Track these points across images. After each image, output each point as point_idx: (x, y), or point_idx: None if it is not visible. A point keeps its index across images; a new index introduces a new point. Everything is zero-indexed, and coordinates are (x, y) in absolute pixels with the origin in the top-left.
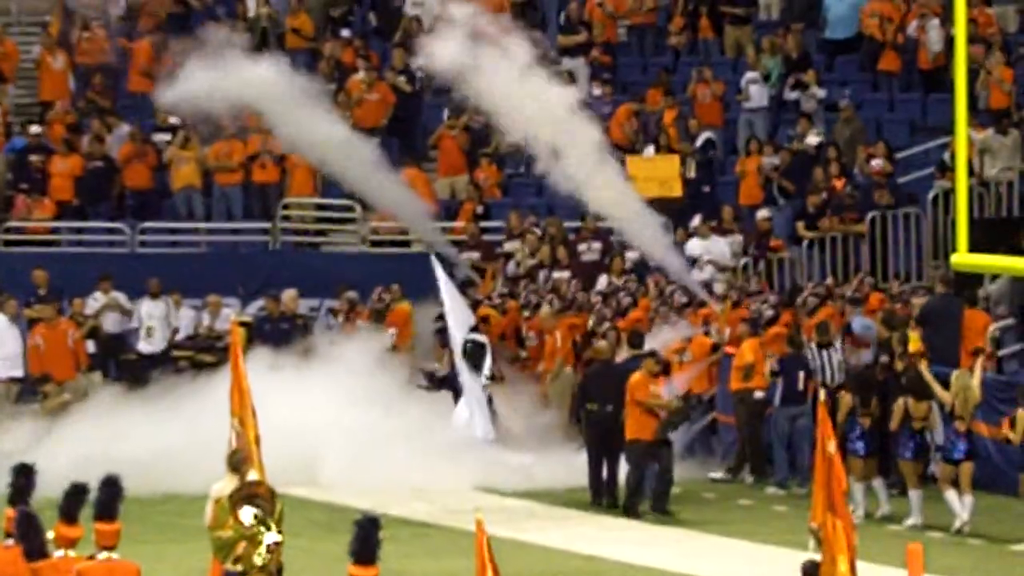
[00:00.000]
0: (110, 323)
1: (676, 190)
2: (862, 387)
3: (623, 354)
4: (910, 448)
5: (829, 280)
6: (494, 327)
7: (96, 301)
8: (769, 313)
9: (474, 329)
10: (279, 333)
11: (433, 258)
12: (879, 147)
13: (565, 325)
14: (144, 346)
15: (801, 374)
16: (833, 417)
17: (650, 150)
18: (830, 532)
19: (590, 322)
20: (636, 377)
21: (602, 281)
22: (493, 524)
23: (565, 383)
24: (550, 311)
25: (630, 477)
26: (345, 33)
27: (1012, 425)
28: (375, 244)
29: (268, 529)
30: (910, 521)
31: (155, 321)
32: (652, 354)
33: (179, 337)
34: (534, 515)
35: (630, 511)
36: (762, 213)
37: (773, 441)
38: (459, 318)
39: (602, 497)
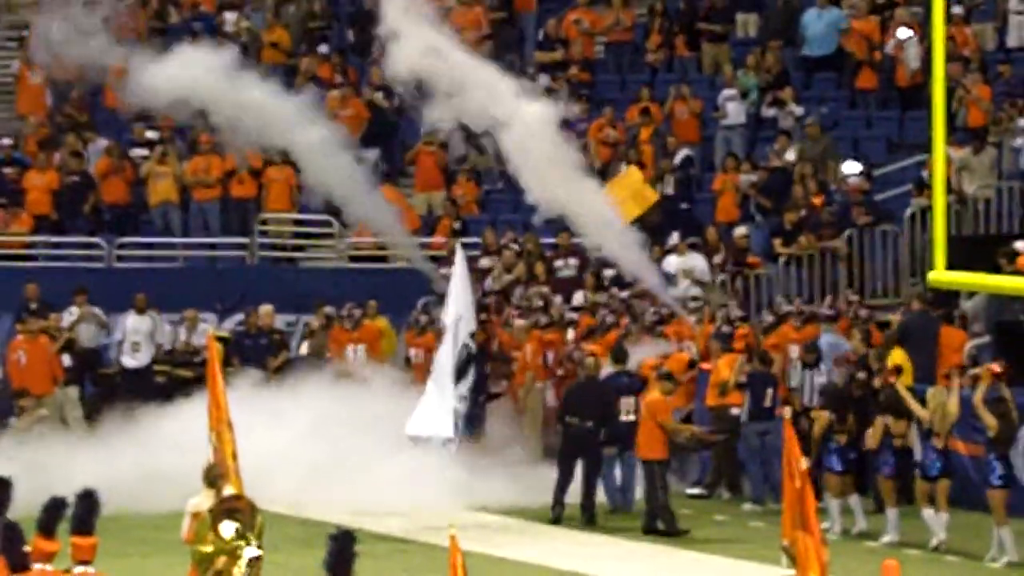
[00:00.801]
0: (86, 337)
1: (650, 196)
2: (838, 404)
3: (606, 369)
4: (889, 465)
5: (795, 301)
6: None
7: (71, 315)
8: (725, 329)
9: (471, 336)
10: (258, 349)
11: (458, 247)
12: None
13: (536, 340)
14: (129, 361)
15: (769, 390)
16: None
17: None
18: (802, 549)
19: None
20: (655, 399)
21: (578, 297)
22: (469, 539)
23: (536, 398)
24: (522, 326)
25: (656, 497)
26: (323, 48)
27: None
28: (353, 259)
29: (248, 543)
30: (886, 538)
31: (140, 336)
32: (668, 375)
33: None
34: (510, 530)
35: (671, 532)
36: (739, 230)
37: (745, 457)
38: (464, 316)
39: (562, 511)
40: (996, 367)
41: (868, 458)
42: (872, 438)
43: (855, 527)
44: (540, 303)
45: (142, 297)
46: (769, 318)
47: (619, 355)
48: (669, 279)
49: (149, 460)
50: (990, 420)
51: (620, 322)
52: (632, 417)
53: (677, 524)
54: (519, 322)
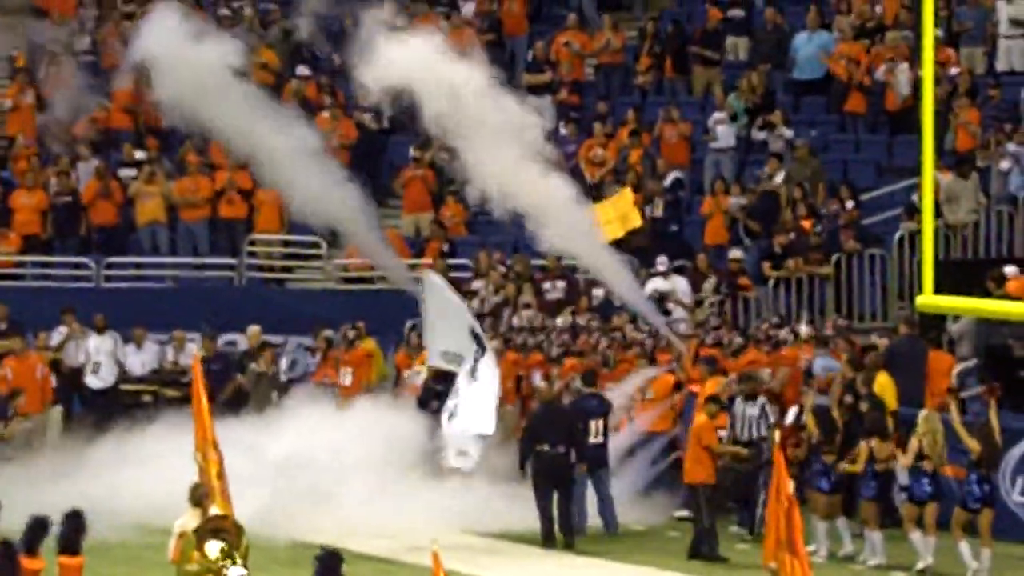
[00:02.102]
0: (72, 357)
1: (635, 220)
2: (826, 426)
3: (569, 395)
4: (872, 488)
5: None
6: None
7: (60, 334)
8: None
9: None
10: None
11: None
12: (843, 190)
13: (508, 362)
14: (93, 381)
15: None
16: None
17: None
18: (788, 571)
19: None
20: (701, 421)
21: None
22: (454, 560)
23: (507, 421)
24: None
25: (703, 520)
26: (303, 71)
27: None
28: (342, 280)
29: (234, 563)
30: (873, 561)
31: (102, 356)
32: (713, 398)
33: (144, 371)
34: (496, 552)
35: (714, 556)
36: (734, 253)
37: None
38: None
39: (554, 540)
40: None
41: (855, 481)
42: (859, 462)
43: (842, 550)
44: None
45: (101, 317)
46: (738, 340)
47: (588, 378)
48: (656, 301)
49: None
50: (972, 444)
51: (599, 345)
52: (600, 439)
53: (718, 550)
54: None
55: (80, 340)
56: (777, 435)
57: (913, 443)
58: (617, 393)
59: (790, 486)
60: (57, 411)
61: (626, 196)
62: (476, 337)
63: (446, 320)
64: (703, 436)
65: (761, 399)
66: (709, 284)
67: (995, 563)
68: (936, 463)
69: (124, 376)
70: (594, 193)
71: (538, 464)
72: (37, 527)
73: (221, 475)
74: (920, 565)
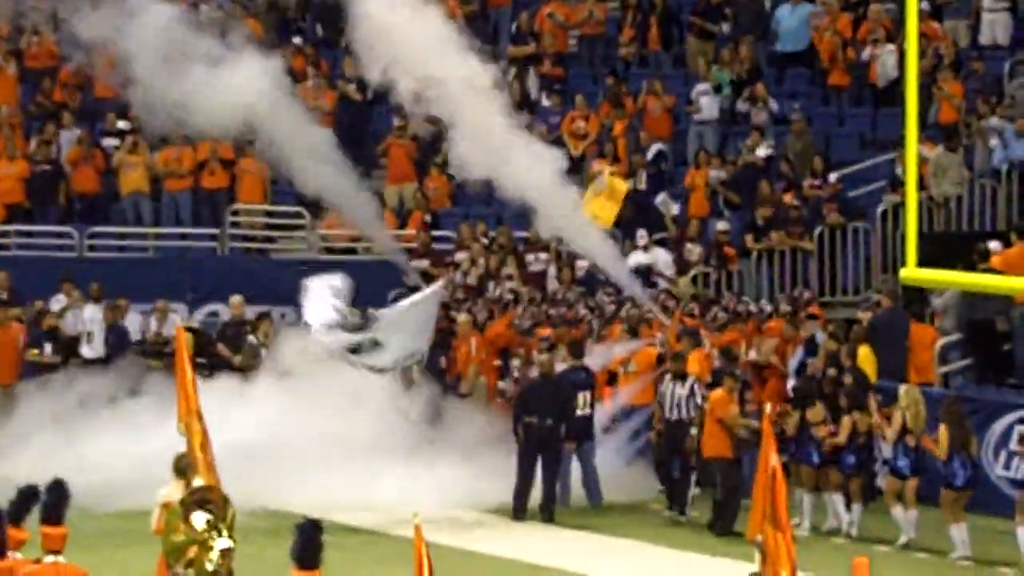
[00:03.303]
0: (70, 326)
1: (621, 187)
2: (806, 399)
3: (561, 365)
4: (852, 460)
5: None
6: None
7: (59, 302)
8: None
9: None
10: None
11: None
12: (817, 162)
13: (484, 335)
14: (86, 351)
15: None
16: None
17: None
18: (772, 545)
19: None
20: (717, 394)
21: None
22: (440, 533)
23: (480, 393)
24: (465, 320)
25: (717, 496)
26: (296, 40)
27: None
28: (325, 251)
29: (220, 535)
30: (851, 531)
31: (95, 326)
32: (731, 373)
33: (127, 341)
34: (482, 524)
35: (723, 530)
36: (721, 225)
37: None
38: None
39: (524, 513)
40: None
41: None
42: (842, 434)
43: (826, 523)
44: (511, 297)
45: (96, 286)
46: (721, 316)
47: (575, 350)
48: (637, 274)
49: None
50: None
51: (582, 316)
52: (588, 411)
53: (733, 525)
54: (462, 316)
55: (78, 310)
56: (768, 406)
57: (897, 417)
58: (596, 357)
59: (773, 458)
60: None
61: (603, 173)
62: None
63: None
64: (718, 409)
65: (691, 379)
66: (696, 254)
67: (979, 537)
68: (917, 437)
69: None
70: (578, 166)
71: (526, 436)
72: (25, 497)
73: (205, 446)
74: (903, 539)
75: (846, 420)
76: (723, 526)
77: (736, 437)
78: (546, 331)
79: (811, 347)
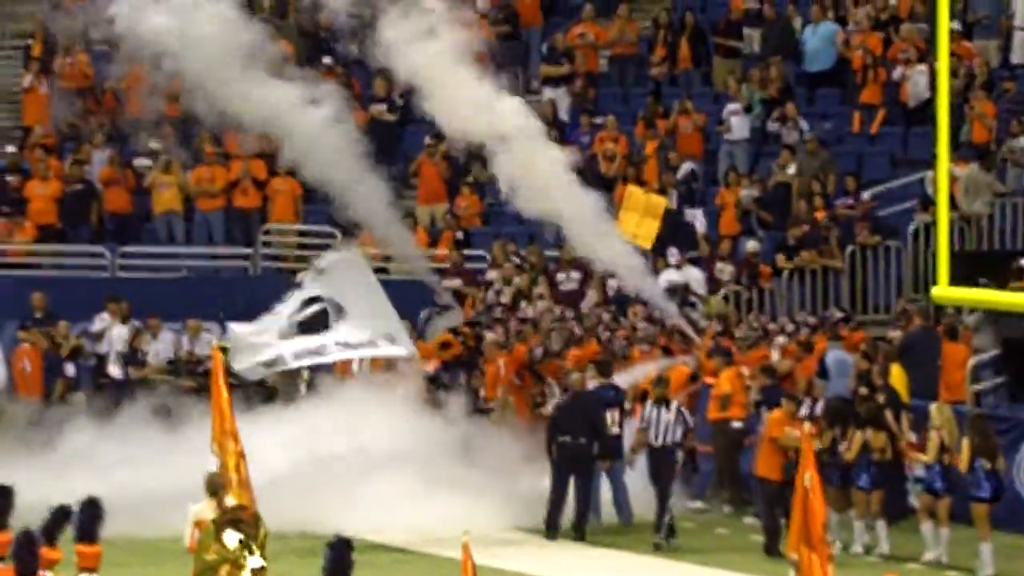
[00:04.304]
0: (99, 345)
1: (659, 203)
2: (839, 418)
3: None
4: (864, 479)
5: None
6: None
7: (103, 321)
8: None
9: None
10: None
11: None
12: (848, 182)
13: (511, 355)
14: (114, 370)
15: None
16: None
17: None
18: (805, 564)
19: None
20: (775, 415)
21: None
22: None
23: (511, 413)
24: (493, 340)
25: (764, 518)
26: (327, 60)
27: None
28: None
29: (252, 554)
30: (855, 548)
31: (124, 346)
32: (791, 396)
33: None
34: (512, 543)
35: (770, 550)
36: (751, 245)
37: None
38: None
39: (557, 531)
40: None
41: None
42: (851, 451)
43: (855, 543)
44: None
45: (125, 306)
46: (751, 335)
47: (603, 368)
48: (669, 293)
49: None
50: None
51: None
52: (617, 430)
53: (777, 547)
54: (490, 336)
55: (107, 329)
56: (807, 426)
57: (934, 436)
58: (626, 378)
59: (807, 478)
60: (80, 397)
61: (634, 192)
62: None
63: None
64: (773, 429)
65: (675, 403)
66: (727, 272)
67: (1006, 553)
68: (951, 454)
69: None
70: (609, 187)
71: (559, 455)
72: (58, 516)
73: (239, 467)
74: (929, 556)
75: (858, 437)
76: (768, 547)
77: (788, 461)
78: (577, 353)
79: (822, 369)
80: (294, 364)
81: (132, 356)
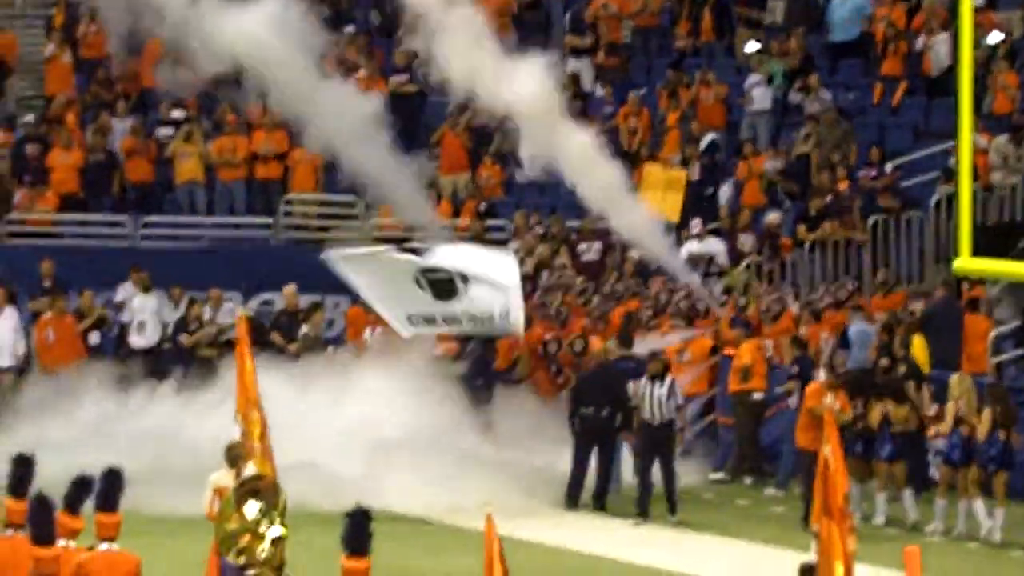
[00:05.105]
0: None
1: (680, 177)
2: (859, 389)
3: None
4: (887, 450)
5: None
6: None
7: (126, 291)
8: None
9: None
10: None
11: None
12: (873, 153)
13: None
14: (137, 340)
15: (816, 372)
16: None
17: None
18: (826, 536)
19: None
20: (812, 386)
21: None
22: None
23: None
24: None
25: (805, 488)
26: (349, 29)
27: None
28: (377, 240)
29: (272, 523)
30: (876, 519)
31: (147, 315)
32: (830, 369)
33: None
34: (533, 514)
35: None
36: (772, 216)
37: (785, 442)
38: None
39: (578, 502)
40: None
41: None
42: (873, 422)
43: (876, 514)
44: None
45: (146, 275)
46: (775, 307)
47: (625, 339)
48: (692, 263)
49: None
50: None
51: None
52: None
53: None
54: None
55: (129, 299)
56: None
57: (950, 407)
58: (650, 346)
59: (827, 449)
60: (102, 368)
61: (651, 170)
62: (427, 280)
63: (388, 287)
64: (810, 400)
65: (669, 378)
66: (749, 244)
67: (1014, 523)
68: (970, 425)
69: (167, 335)
70: (631, 163)
71: (581, 426)
72: (80, 485)
73: (263, 436)
74: (932, 526)
75: (877, 409)
76: (808, 517)
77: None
78: (580, 323)
79: (844, 340)
80: (407, 331)
81: (185, 325)
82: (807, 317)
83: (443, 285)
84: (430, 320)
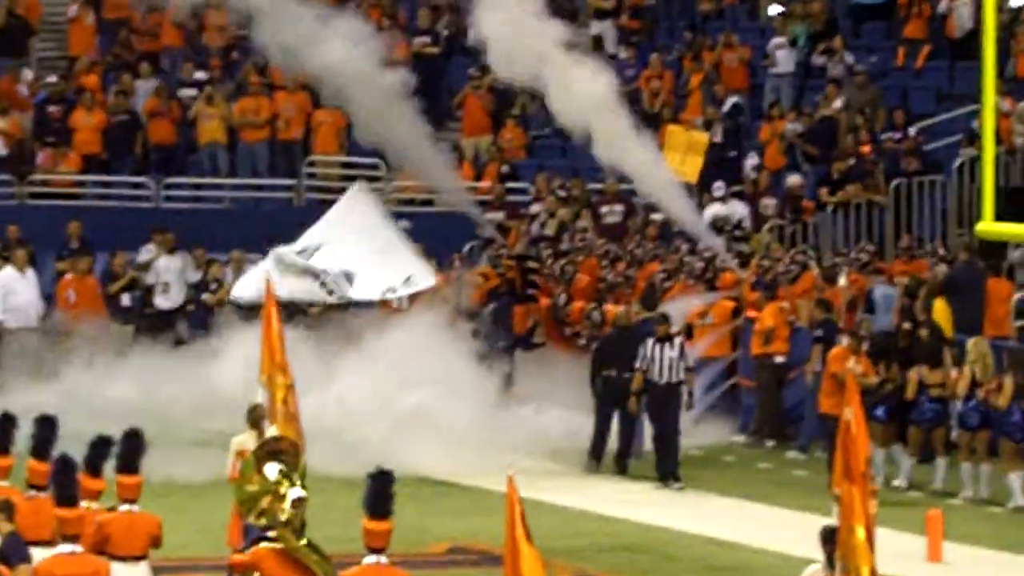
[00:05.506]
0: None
1: (702, 140)
2: (882, 353)
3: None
4: (923, 415)
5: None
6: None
7: (149, 252)
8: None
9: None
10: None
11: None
12: (899, 115)
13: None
14: (161, 302)
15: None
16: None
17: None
18: (847, 500)
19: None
20: (835, 351)
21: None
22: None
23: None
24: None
25: (830, 453)
26: None
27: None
28: (400, 202)
29: (292, 484)
30: (897, 482)
31: (171, 276)
32: (853, 333)
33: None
34: (553, 476)
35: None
36: (794, 178)
37: (807, 405)
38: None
39: (599, 464)
40: None
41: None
42: (909, 389)
43: (898, 477)
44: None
45: (171, 237)
46: (793, 268)
47: (648, 301)
48: (714, 227)
49: None
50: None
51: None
52: None
53: None
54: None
55: (154, 260)
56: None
57: (965, 371)
58: (673, 308)
59: (847, 412)
60: (126, 331)
61: (674, 131)
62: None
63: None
64: (833, 364)
65: (679, 340)
66: (771, 207)
67: None
68: (986, 390)
69: (191, 297)
70: (653, 125)
71: (603, 388)
72: (100, 446)
73: (287, 400)
74: (967, 493)
75: (912, 374)
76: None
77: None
78: (585, 279)
79: (869, 304)
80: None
81: (205, 286)
82: (820, 282)
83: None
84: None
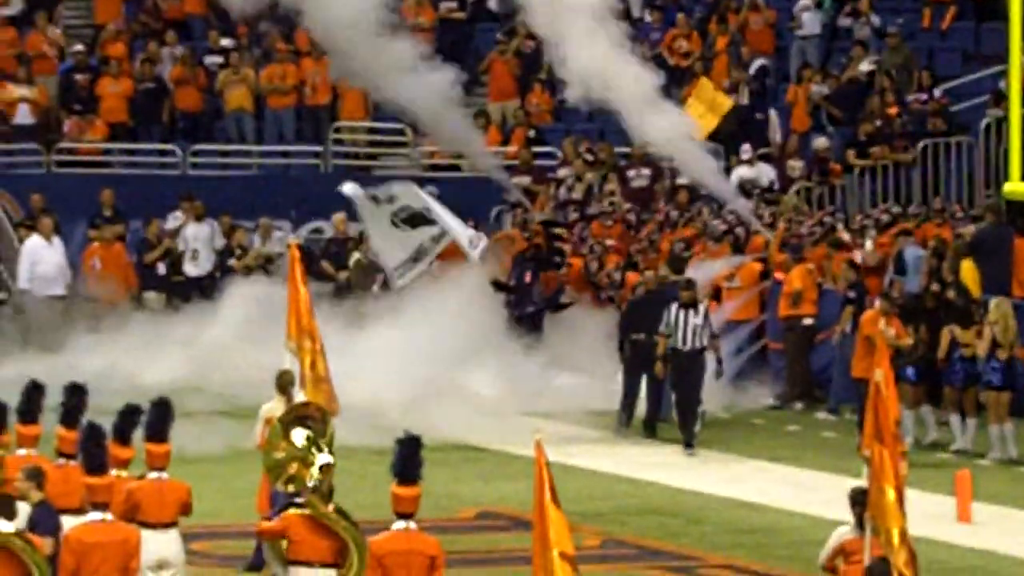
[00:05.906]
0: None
1: (725, 104)
2: (911, 315)
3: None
4: (957, 375)
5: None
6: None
7: (176, 220)
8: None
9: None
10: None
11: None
12: (925, 76)
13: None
14: (191, 269)
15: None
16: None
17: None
18: (877, 461)
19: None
20: (868, 314)
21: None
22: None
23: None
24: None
25: (860, 416)
26: None
27: None
28: (427, 168)
29: (320, 451)
30: (956, 446)
31: (200, 244)
32: (885, 295)
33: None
34: (582, 439)
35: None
36: (820, 141)
37: (836, 366)
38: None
39: (628, 427)
40: None
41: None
42: (941, 348)
43: (926, 437)
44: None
45: (199, 204)
46: (816, 231)
47: (675, 264)
48: (742, 190)
49: None
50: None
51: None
52: None
53: None
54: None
55: (183, 228)
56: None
57: (986, 331)
58: (700, 273)
59: (877, 374)
60: (157, 298)
61: (705, 85)
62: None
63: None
64: (866, 327)
65: (703, 306)
66: (798, 169)
67: None
68: (1009, 350)
69: (221, 264)
70: (679, 83)
71: (632, 351)
72: (129, 414)
73: (315, 364)
74: (994, 453)
75: (944, 334)
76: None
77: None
78: (599, 233)
79: (900, 266)
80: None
81: (230, 252)
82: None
83: (416, 219)
84: (408, 263)
